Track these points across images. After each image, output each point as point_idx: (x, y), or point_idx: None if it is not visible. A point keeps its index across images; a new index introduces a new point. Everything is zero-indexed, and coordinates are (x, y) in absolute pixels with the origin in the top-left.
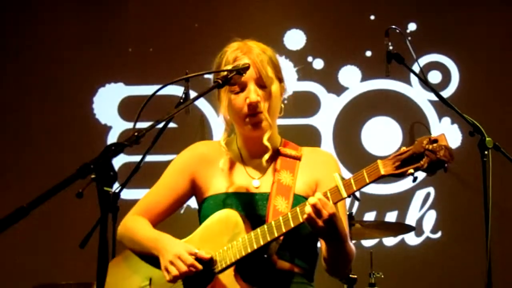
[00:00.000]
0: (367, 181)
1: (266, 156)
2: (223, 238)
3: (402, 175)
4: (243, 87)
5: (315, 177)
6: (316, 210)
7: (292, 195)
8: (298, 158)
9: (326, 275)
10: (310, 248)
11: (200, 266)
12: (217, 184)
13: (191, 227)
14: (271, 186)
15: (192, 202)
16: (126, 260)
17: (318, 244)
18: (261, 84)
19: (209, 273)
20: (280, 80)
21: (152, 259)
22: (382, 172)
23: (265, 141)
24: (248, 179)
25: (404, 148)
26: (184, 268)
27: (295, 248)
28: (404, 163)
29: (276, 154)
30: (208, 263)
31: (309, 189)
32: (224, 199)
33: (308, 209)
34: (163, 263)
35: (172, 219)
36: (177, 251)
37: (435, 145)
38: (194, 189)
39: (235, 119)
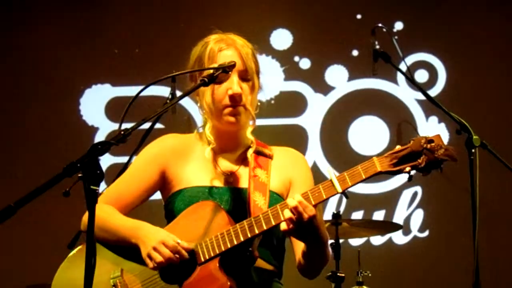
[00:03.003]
0: (363, 177)
1: (251, 151)
2: (203, 229)
3: (399, 173)
4: (224, 78)
5: (288, 175)
6: (297, 213)
7: (268, 191)
8: (270, 157)
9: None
10: (282, 247)
11: (185, 254)
12: (189, 177)
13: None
14: (248, 181)
15: None
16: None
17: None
18: (244, 77)
19: (191, 265)
20: (258, 74)
21: (125, 249)
22: (379, 168)
23: (249, 134)
24: (221, 174)
25: (400, 146)
26: (169, 254)
27: (270, 246)
28: (401, 161)
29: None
30: (190, 254)
31: (283, 187)
32: (201, 192)
33: (287, 213)
34: (145, 251)
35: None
36: (161, 237)
37: (433, 144)
38: (163, 181)
39: (213, 110)
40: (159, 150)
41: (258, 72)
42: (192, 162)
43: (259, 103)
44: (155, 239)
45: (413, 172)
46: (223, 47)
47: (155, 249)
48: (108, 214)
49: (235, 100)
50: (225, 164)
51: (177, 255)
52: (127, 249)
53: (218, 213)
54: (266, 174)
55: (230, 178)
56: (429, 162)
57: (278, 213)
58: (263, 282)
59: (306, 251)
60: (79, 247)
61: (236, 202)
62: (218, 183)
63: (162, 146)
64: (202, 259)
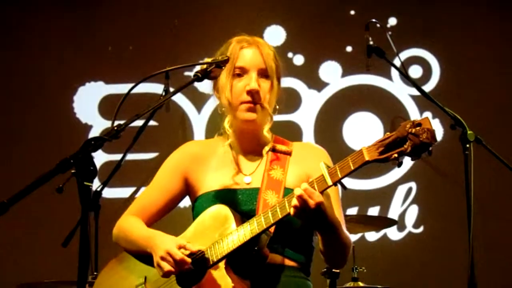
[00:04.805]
0: (352, 168)
1: (267, 148)
2: (215, 233)
3: (386, 160)
4: (244, 73)
5: (305, 170)
6: (303, 201)
7: (283, 189)
8: (288, 153)
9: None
10: (304, 241)
11: (189, 260)
12: (209, 181)
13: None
14: (261, 180)
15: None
16: (122, 262)
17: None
18: (264, 74)
19: (202, 268)
20: (279, 79)
21: (147, 258)
22: (367, 158)
23: (265, 132)
24: (240, 175)
25: (388, 134)
26: (174, 262)
27: (287, 240)
28: (388, 148)
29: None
30: (200, 258)
31: (300, 183)
32: (215, 196)
33: (294, 201)
34: (155, 260)
35: (168, 219)
36: (167, 246)
37: (418, 128)
38: (187, 188)
39: (231, 105)
40: (180, 158)
41: (279, 75)
42: (213, 166)
43: (277, 106)
44: (162, 248)
45: (405, 158)
46: (244, 45)
47: (162, 258)
48: (131, 225)
49: (253, 96)
50: (244, 165)
51: (182, 263)
52: (150, 257)
53: (228, 216)
54: (283, 171)
55: (247, 179)
56: (414, 147)
57: (276, 211)
58: (280, 277)
59: (321, 239)
60: (121, 254)
61: (248, 203)
62: (234, 185)
63: (183, 154)
64: (211, 262)
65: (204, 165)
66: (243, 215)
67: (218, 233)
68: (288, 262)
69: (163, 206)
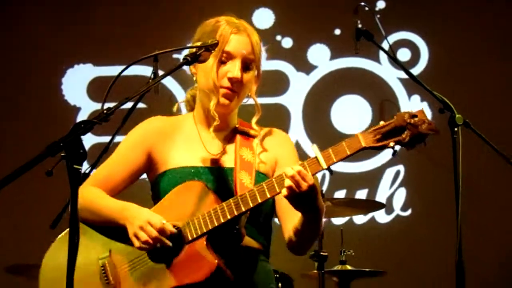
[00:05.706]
0: (348, 153)
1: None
2: (189, 209)
3: (383, 148)
4: (229, 59)
5: (273, 155)
6: (296, 182)
7: (254, 171)
8: (256, 137)
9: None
10: (268, 225)
11: (171, 230)
12: (176, 157)
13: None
14: (235, 161)
15: None
16: (81, 231)
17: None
18: (247, 64)
19: (178, 244)
20: (258, 69)
21: (113, 230)
22: (363, 144)
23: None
24: (208, 154)
25: (383, 122)
26: (154, 233)
27: (257, 224)
28: (385, 136)
29: (235, 132)
30: (177, 234)
31: (269, 167)
32: (185, 173)
33: (287, 182)
34: (131, 230)
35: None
36: (147, 217)
37: (416, 119)
38: (149, 163)
39: (211, 87)
40: (144, 132)
41: (258, 66)
42: (179, 143)
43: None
44: (141, 219)
45: (397, 148)
46: (235, 31)
47: (141, 228)
48: (96, 196)
49: (233, 84)
50: (212, 144)
51: (161, 235)
52: (115, 230)
53: (205, 193)
54: (252, 154)
55: (217, 158)
56: (413, 137)
57: (264, 190)
58: (250, 260)
59: (302, 222)
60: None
61: (222, 182)
62: (205, 163)
63: (147, 128)
64: (190, 238)
65: (169, 141)
66: (219, 193)
67: (193, 209)
68: (254, 244)
69: (125, 179)
